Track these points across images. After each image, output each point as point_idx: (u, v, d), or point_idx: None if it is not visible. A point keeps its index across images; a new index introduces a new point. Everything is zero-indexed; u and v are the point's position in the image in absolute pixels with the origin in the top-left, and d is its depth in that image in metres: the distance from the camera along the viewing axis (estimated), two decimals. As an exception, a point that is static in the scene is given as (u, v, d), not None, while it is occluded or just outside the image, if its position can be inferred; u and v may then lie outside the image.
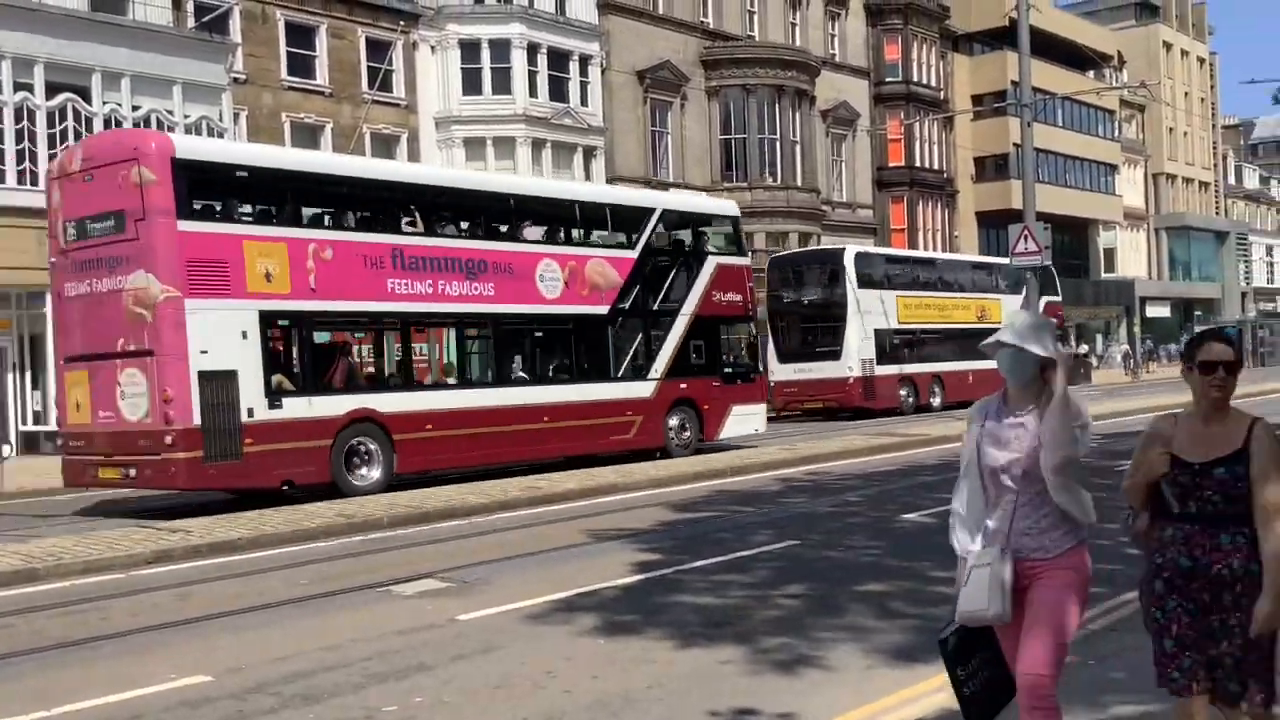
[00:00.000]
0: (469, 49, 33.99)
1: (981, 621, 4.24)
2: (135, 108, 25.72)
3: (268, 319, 15.24)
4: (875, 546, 11.14)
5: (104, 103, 25.24)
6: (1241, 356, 4.12)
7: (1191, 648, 4.00)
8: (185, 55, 26.64)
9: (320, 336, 16.50)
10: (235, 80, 28.62)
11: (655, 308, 20.57)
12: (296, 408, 15.30)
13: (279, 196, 16.19)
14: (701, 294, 21.31)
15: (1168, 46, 70.32)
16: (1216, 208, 77.14)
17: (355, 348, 17.61)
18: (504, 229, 19.18)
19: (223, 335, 14.58)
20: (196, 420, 14.25)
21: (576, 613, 8.47)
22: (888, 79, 48.98)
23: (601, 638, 7.78)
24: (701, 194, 26.33)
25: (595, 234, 20.61)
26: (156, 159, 14.51)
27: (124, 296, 14.54)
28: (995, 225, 49.65)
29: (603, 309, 19.62)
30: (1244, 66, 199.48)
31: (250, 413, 14.78)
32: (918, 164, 50.11)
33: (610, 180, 37.84)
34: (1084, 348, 54.75)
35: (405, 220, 17.67)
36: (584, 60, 36.75)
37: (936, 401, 33.03)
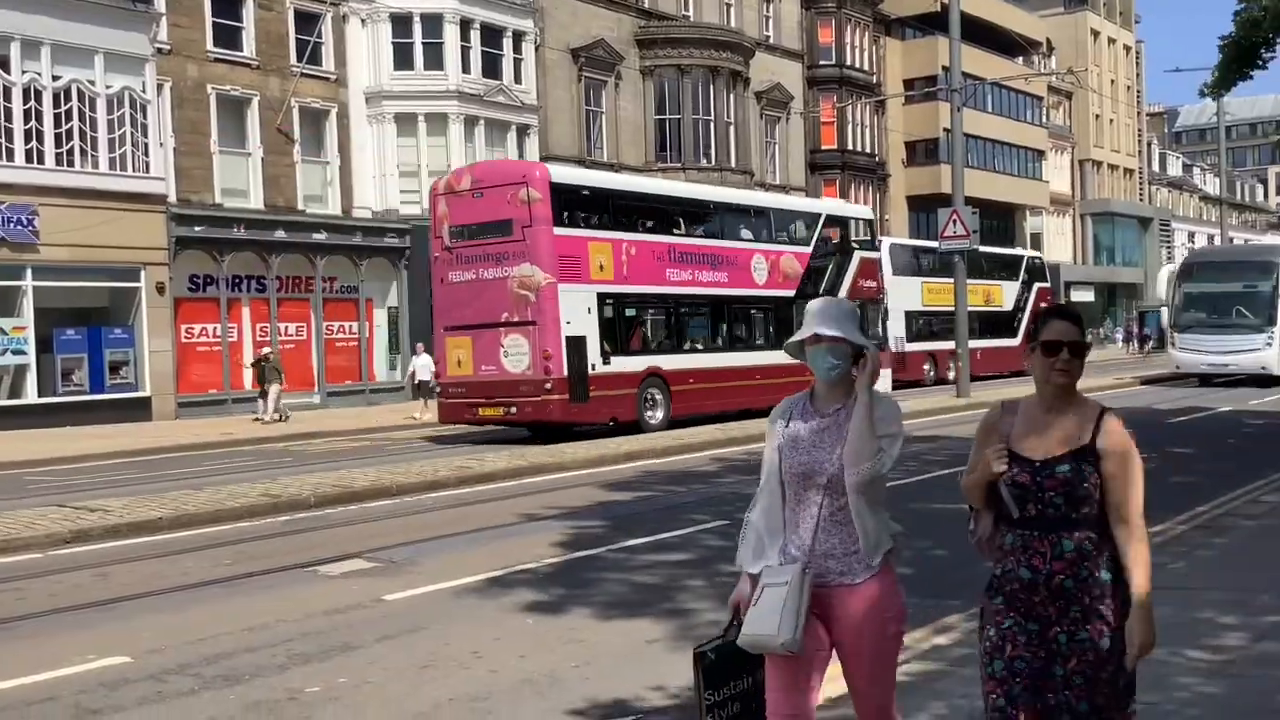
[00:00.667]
0: (400, 23, 33.54)
1: (767, 649, 3.66)
2: (56, 77, 25.11)
3: (601, 299, 20.42)
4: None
5: (23, 72, 24.58)
6: (1085, 336, 3.63)
7: (1023, 674, 3.47)
8: (107, 24, 26.04)
9: (627, 312, 21.59)
10: (159, 50, 28.01)
11: (821, 291, 24.35)
12: (617, 364, 20.53)
13: (607, 209, 21.44)
14: (850, 280, 26.82)
15: (1095, 34, 71.44)
16: (1140, 194, 78.66)
17: (645, 320, 22.55)
18: (735, 231, 24.41)
19: (577, 310, 19.85)
20: (565, 372, 19.45)
21: (505, 592, 8.43)
22: (821, 62, 49.23)
23: (530, 617, 7.76)
24: (843, 200, 29.89)
25: (784, 233, 25.83)
26: (539, 183, 19.89)
27: (510, 282, 19.63)
28: (926, 209, 50.20)
29: (790, 292, 24.58)
30: (1169, 55, 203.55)
31: (593, 367, 20.02)
32: (850, 147, 50.46)
33: (544, 159, 37.67)
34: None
35: (675, 226, 23.08)
36: (518, 37, 36.45)
37: (951, 374, 35.58)
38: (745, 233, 24.57)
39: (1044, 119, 64.84)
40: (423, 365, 26.34)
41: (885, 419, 3.72)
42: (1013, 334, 36.99)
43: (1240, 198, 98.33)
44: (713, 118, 42.79)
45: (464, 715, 5.86)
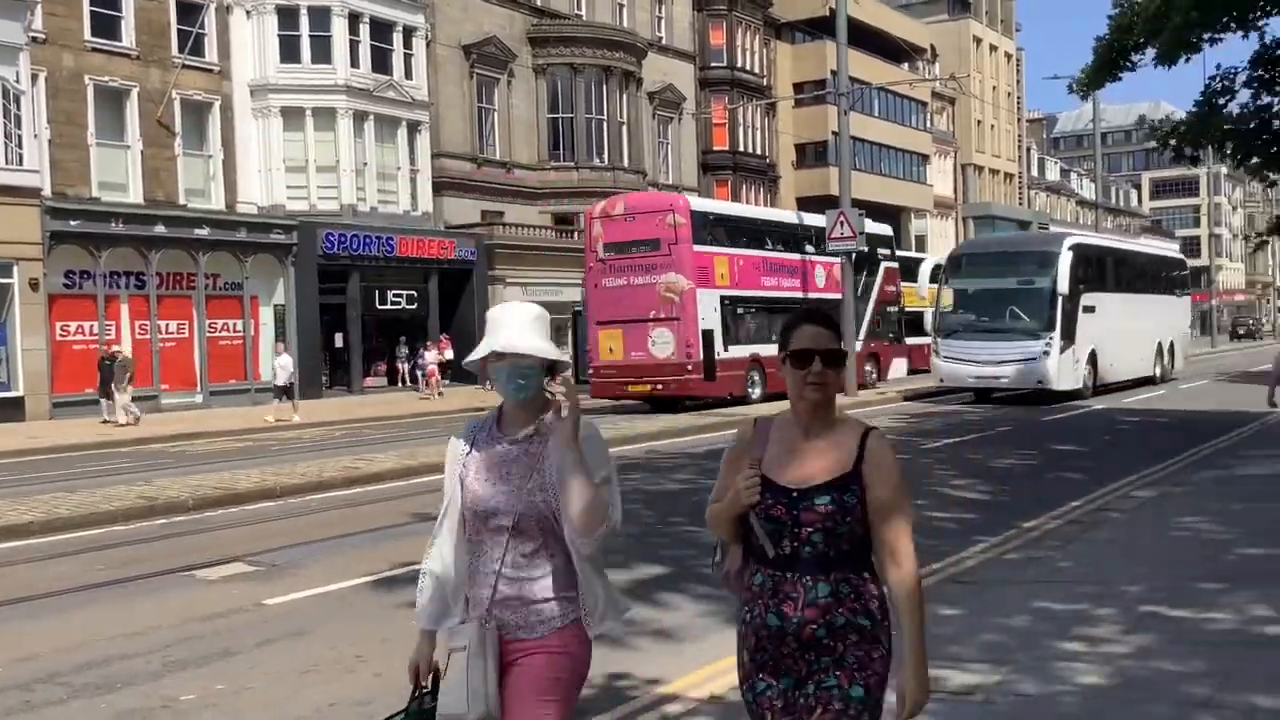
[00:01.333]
0: (286, 15, 32.88)
1: None
2: (-80, 65, 24.07)
3: (722, 300, 25.67)
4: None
5: (-116, 58, 23.51)
6: (842, 344, 3.12)
7: None
8: (-24, 10, 25.02)
9: (738, 311, 26.39)
10: (34, 39, 27.05)
11: (858, 295, 28.81)
12: (732, 352, 25.57)
13: (724, 229, 26.76)
14: (879, 287, 32.15)
15: (977, 41, 73.26)
16: (1020, 198, 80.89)
17: (749, 318, 27.12)
18: (802, 246, 29.31)
19: (708, 310, 25.11)
20: (701, 357, 24.75)
21: (393, 594, 8.31)
22: (713, 64, 49.62)
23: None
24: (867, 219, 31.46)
25: None
26: (683, 210, 25.48)
27: (657, 287, 24.87)
28: (815, 210, 50.71)
29: (838, 295, 27.80)
30: (1048, 62, 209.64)
31: (717, 354, 25.07)
32: (741, 149, 50.95)
33: (435, 157, 37.31)
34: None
35: (766, 243, 28.29)
36: (408, 32, 36.03)
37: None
38: (809, 248, 29.38)
39: (928, 124, 66.29)
40: (282, 366, 25.84)
41: (596, 462, 3.14)
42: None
43: (1115, 202, 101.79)
44: (606, 117, 42.84)
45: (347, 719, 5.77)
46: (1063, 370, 24.80)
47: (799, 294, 28.42)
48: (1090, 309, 25.84)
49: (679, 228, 24.98)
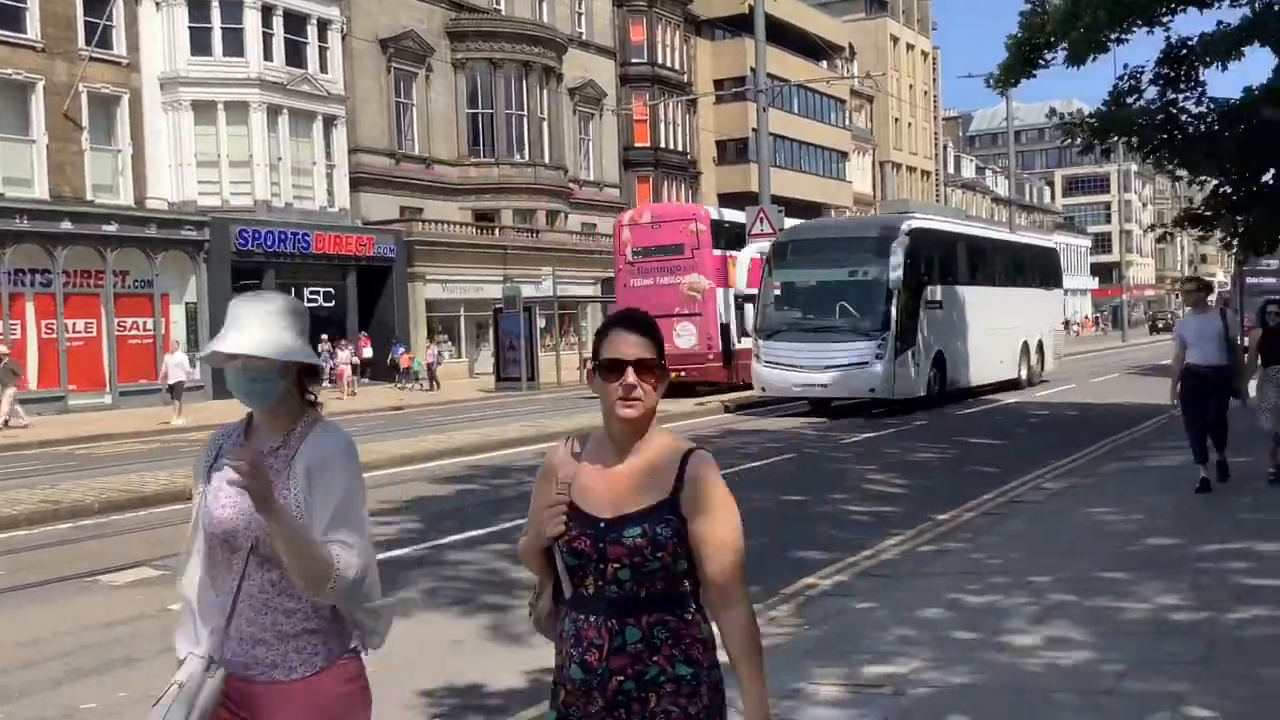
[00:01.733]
0: (197, 7, 32.16)
1: None
2: None
3: (735, 298, 27.34)
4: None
5: None
6: (661, 351, 2.65)
7: None
8: None
9: (747, 307, 26.48)
10: (-70, 29, 26.14)
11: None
12: (744, 343, 26.14)
13: (737, 236, 28.13)
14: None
15: (895, 40, 74.18)
16: (937, 195, 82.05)
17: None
18: None
19: (725, 306, 27.40)
20: (720, 348, 27.16)
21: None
22: (633, 60, 49.63)
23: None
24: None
25: None
26: (704, 219, 28.20)
27: (680, 287, 27.23)
28: (736, 207, 50.95)
29: None
30: (964, 62, 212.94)
31: (732, 345, 27.27)
32: (663, 145, 51.04)
33: (352, 152, 36.82)
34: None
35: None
36: (323, 25, 35.48)
37: None
38: None
39: (848, 121, 66.97)
40: (176, 364, 25.26)
41: (340, 518, 2.70)
42: None
43: (1029, 199, 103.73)
44: (526, 113, 42.63)
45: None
46: (898, 376, 21.54)
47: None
48: (936, 304, 22.83)
49: (700, 234, 27.73)
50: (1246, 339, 12.51)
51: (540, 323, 36.97)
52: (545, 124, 43.40)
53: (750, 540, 8.15)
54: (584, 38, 47.26)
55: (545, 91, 43.41)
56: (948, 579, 7.82)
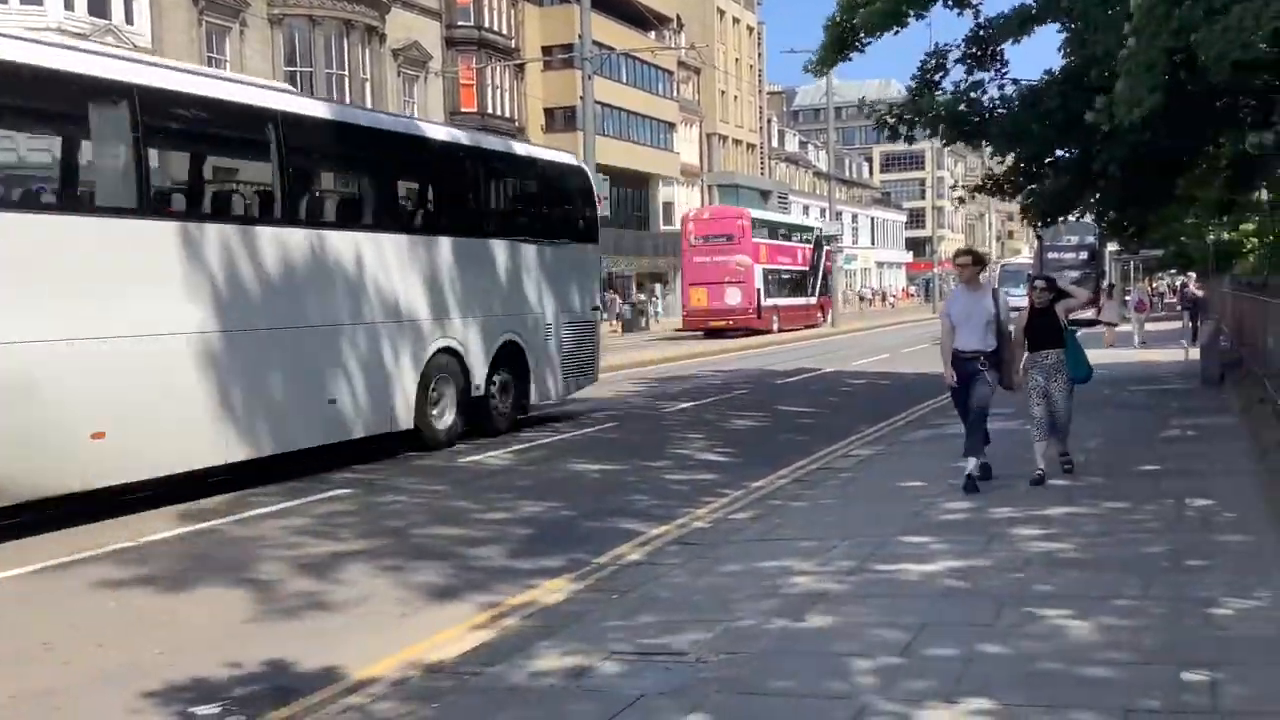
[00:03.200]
0: (-12, -52, 30.13)
1: None
2: None
3: (763, 271, 42.86)
4: (437, 489, 11.05)
5: None
6: None
7: None
8: None
9: (769, 277, 43.61)
10: None
11: (810, 267, 50.13)
12: (769, 303, 42.92)
13: (767, 229, 44.56)
14: (823, 261, 52.02)
15: (721, 13, 74.86)
16: (762, 168, 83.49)
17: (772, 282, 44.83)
18: (789, 236, 49.50)
19: (759, 276, 42.25)
20: (756, 305, 42.02)
21: (89, 576, 7.74)
22: (459, 22, 48.71)
23: (114, 601, 7.15)
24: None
25: (800, 236, 51.80)
26: (747, 217, 44.52)
27: (730, 263, 42.18)
28: (563, 175, 50.91)
29: (806, 267, 49.41)
30: (788, 37, 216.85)
31: (761, 302, 42.13)
32: (491, 111, 50.32)
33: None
34: (641, 296, 57.87)
35: (774, 235, 47.27)
36: (129, -26, 33.64)
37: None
38: (797, 237, 49.38)
39: (675, 93, 67.37)
40: None
41: None
42: (809, 293, 49.56)
43: (849, 174, 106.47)
44: (348, 73, 41.40)
45: (30, 713, 5.30)
46: None
47: (791, 265, 47.21)
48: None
49: (745, 228, 43.17)
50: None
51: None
52: (368, 85, 42.25)
53: (564, 511, 8.18)
54: (408, -2, 46.12)
55: (368, 52, 42.24)
56: (757, 546, 7.93)
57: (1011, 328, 9.74)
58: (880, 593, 6.47)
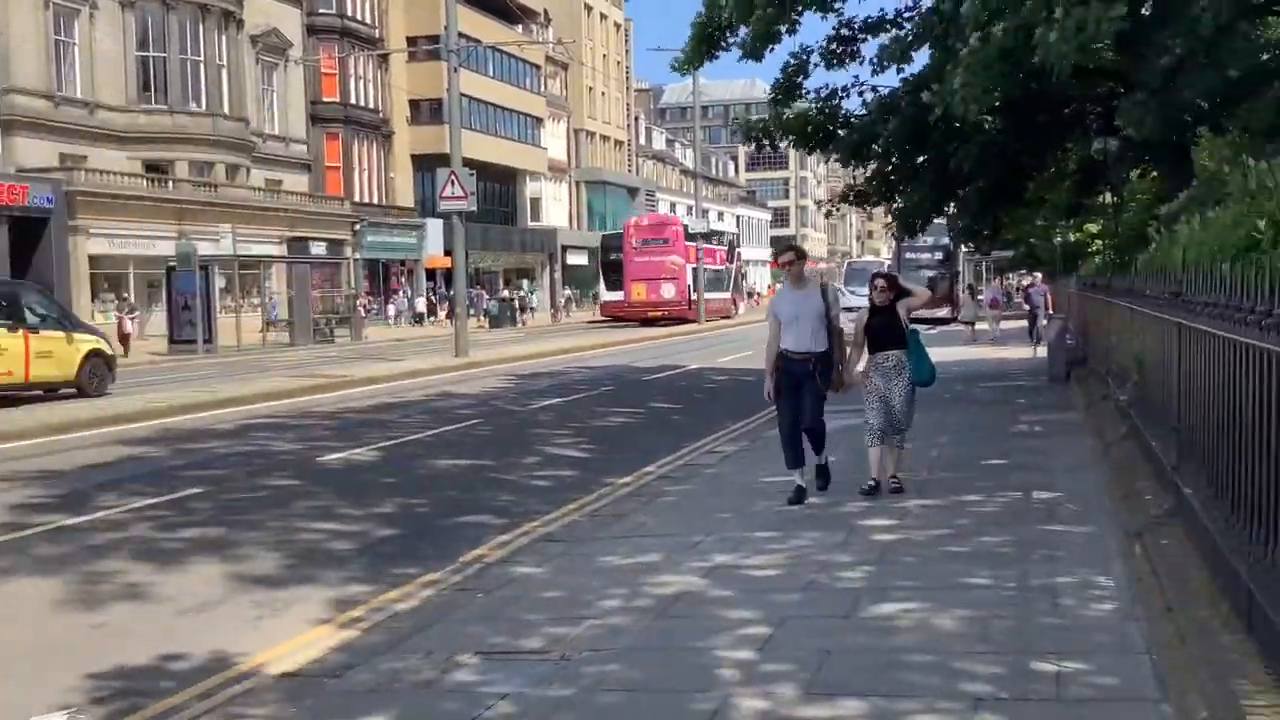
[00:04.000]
0: None
1: None
2: None
3: (693, 270, 49.52)
4: (292, 487, 10.81)
5: None
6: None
7: None
8: None
9: (699, 276, 49.65)
10: None
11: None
12: (697, 298, 49.49)
13: (692, 233, 50.74)
14: (737, 261, 63.78)
15: (589, 8, 74.94)
16: (629, 165, 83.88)
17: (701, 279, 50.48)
18: (712, 241, 57.33)
19: (690, 274, 49.32)
20: (689, 299, 49.32)
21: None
22: (321, 10, 47.77)
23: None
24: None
25: (719, 240, 61.28)
26: (681, 226, 52.36)
27: (666, 262, 49.65)
28: (429, 168, 50.27)
29: (723, 267, 57.77)
30: (656, 35, 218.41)
31: (691, 296, 49.25)
32: (353, 101, 49.49)
33: (4, 93, 33.61)
34: (507, 292, 57.57)
35: (706, 241, 53.24)
36: (-32, -51, 32.09)
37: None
38: (714, 243, 56.04)
39: (542, 88, 67.18)
40: None
41: None
42: (725, 289, 57.36)
43: (715, 173, 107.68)
44: (203, 59, 40.26)
45: None
46: None
47: (717, 267, 54.48)
48: None
49: (678, 233, 50.53)
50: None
51: (220, 282, 35.18)
52: (225, 72, 41.15)
53: (427, 509, 8.10)
54: (268, -16, 45.02)
55: (224, 37, 41.12)
56: (621, 542, 7.96)
57: (849, 326, 9.15)
58: (742, 587, 6.56)
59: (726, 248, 59.07)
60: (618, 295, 50.55)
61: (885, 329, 8.96)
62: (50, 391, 19.20)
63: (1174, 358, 6.79)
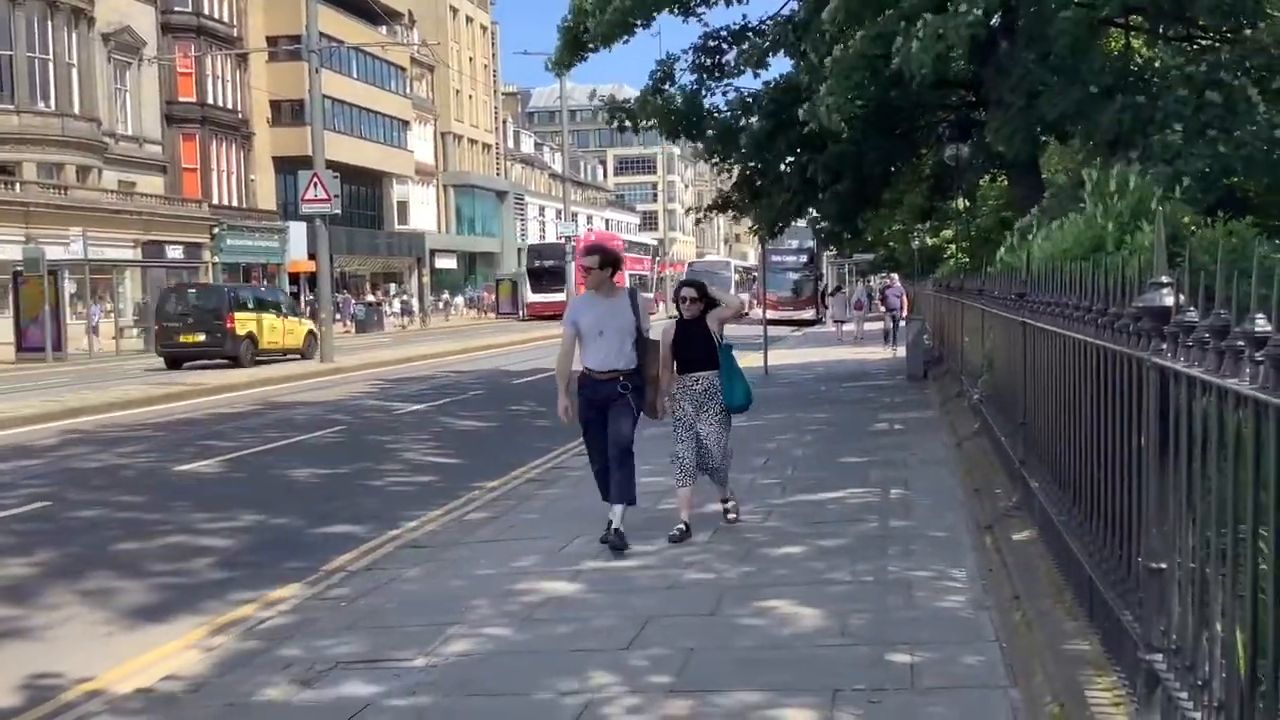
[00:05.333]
0: None
1: None
2: None
3: (627, 275, 39.23)
4: (141, 501, 10.47)
5: None
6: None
7: None
8: None
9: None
10: None
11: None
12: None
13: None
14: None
15: (454, 11, 74.29)
16: (497, 169, 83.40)
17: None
18: (641, 250, 72.43)
19: (626, 278, 40.59)
20: None
21: None
22: (176, 8, 46.36)
23: None
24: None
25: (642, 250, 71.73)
26: (622, 242, 60.12)
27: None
28: (291, 170, 49.16)
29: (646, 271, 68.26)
30: (523, 38, 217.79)
31: None
32: (211, 101, 48.15)
33: None
34: (372, 297, 56.80)
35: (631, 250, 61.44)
36: None
37: None
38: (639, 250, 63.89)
39: (408, 90, 66.37)
40: None
41: None
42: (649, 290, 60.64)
43: (584, 176, 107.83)
44: (51, 57, 38.72)
45: None
46: None
47: (644, 271, 62.95)
48: None
49: (620, 245, 45.59)
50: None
51: (70, 288, 33.90)
52: (75, 71, 39.64)
53: (288, 519, 7.95)
54: (120, -20, 43.52)
55: (75, 35, 39.62)
56: (489, 547, 7.93)
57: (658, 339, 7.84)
58: (609, 589, 6.60)
59: (650, 255, 71.18)
60: (543, 297, 57.17)
61: (695, 346, 7.72)
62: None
63: (1020, 356, 7.06)
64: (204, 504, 10.20)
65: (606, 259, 7.71)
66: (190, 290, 29.80)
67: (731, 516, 8.12)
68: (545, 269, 58.82)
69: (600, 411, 7.56)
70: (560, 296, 51.22)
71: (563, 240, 57.57)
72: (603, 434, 7.55)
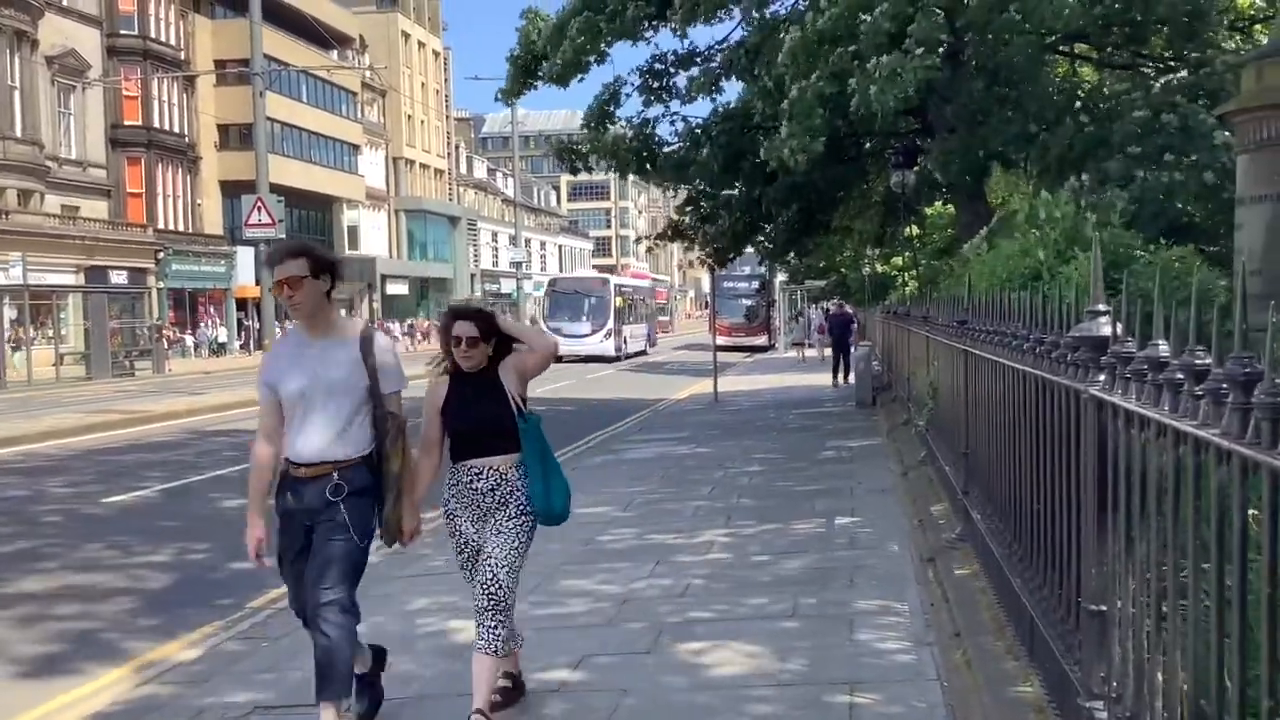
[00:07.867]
0: None
1: None
2: None
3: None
4: (75, 530, 10.11)
5: None
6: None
7: None
8: None
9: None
10: None
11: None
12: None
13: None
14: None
15: (406, 36, 74.05)
16: (450, 194, 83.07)
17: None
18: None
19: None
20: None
21: None
22: (122, 31, 45.81)
23: None
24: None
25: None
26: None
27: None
28: (237, 195, 48.64)
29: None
30: (475, 64, 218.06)
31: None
32: (157, 125, 47.55)
33: None
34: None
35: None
36: None
37: None
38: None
39: (359, 114, 66.01)
40: None
41: None
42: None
43: (537, 202, 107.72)
44: (-8, 79, 38.02)
45: None
46: None
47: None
48: None
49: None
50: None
51: (10, 314, 33.23)
52: (17, 94, 39.02)
53: (210, 554, 7.63)
54: (64, 3, 42.96)
55: (17, 58, 39.01)
56: (423, 581, 7.70)
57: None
58: (545, 625, 6.38)
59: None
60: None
61: (478, 415, 4.68)
62: None
63: (962, 384, 6.95)
64: (128, 536, 9.85)
65: (319, 264, 4.49)
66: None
67: (497, 699, 4.76)
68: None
69: (302, 537, 4.63)
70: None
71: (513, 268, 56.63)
72: (304, 572, 4.64)
